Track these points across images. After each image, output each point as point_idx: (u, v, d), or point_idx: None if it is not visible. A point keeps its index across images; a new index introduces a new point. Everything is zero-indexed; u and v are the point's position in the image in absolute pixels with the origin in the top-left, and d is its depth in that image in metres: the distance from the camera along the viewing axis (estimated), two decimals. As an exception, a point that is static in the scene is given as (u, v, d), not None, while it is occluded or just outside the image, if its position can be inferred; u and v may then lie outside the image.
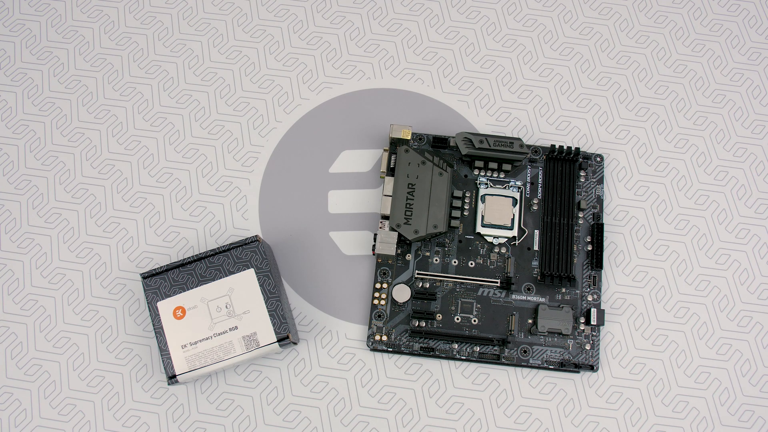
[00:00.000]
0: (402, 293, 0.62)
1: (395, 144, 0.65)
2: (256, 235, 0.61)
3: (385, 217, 0.62)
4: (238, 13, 0.73)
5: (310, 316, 0.64)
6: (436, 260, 0.63)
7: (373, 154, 0.68)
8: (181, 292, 0.59)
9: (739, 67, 0.71)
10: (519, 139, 0.64)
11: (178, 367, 0.58)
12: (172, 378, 0.58)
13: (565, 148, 0.66)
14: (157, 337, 0.58)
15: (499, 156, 0.64)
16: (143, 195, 0.67)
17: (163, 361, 0.58)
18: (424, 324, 0.61)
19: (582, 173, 0.66)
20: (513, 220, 0.64)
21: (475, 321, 0.62)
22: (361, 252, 0.65)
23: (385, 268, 0.63)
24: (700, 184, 0.67)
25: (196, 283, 0.60)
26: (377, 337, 0.61)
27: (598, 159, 0.66)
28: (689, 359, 0.63)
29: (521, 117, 0.69)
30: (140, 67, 0.71)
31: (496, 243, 0.64)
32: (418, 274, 0.63)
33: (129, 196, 0.67)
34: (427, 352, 0.61)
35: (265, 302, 0.59)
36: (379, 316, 0.62)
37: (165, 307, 0.59)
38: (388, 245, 0.61)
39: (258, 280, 0.59)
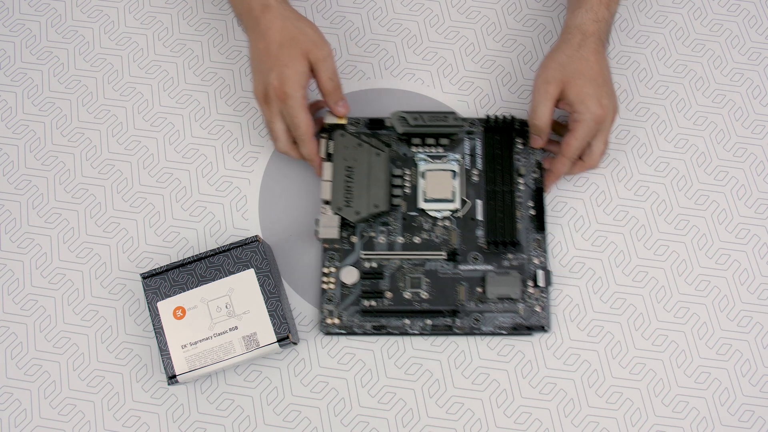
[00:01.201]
0: (350, 275, 0.62)
1: (331, 130, 0.66)
2: (256, 235, 0.61)
3: (327, 202, 0.63)
4: (238, 13, 0.73)
5: (310, 316, 0.64)
6: (382, 240, 0.64)
7: (373, 154, 0.68)
8: (181, 292, 0.59)
9: (739, 67, 0.71)
10: (453, 112, 0.65)
11: (178, 367, 0.58)
12: (172, 378, 0.58)
13: (501, 117, 0.66)
14: (157, 337, 0.58)
15: (434, 131, 0.64)
16: (143, 195, 0.67)
17: (163, 361, 0.58)
18: (374, 303, 0.62)
19: (519, 140, 0.66)
20: (454, 192, 0.64)
21: (425, 295, 0.62)
22: (361, 252, 0.65)
23: (332, 252, 0.63)
24: (700, 184, 0.67)
25: (196, 283, 0.60)
26: (329, 321, 0.62)
27: (525, 126, 0.67)
28: (689, 359, 0.63)
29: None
30: (140, 67, 0.71)
31: (440, 216, 0.64)
32: (364, 254, 0.63)
33: (129, 196, 0.67)
34: (379, 330, 0.61)
35: (265, 302, 0.59)
36: (330, 299, 0.62)
37: (165, 307, 0.59)
38: (331, 229, 0.62)
39: (258, 280, 0.59)
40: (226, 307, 0.59)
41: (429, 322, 0.62)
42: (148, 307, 0.59)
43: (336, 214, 0.62)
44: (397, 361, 0.63)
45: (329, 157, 0.64)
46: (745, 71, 0.71)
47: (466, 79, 0.71)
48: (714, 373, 0.62)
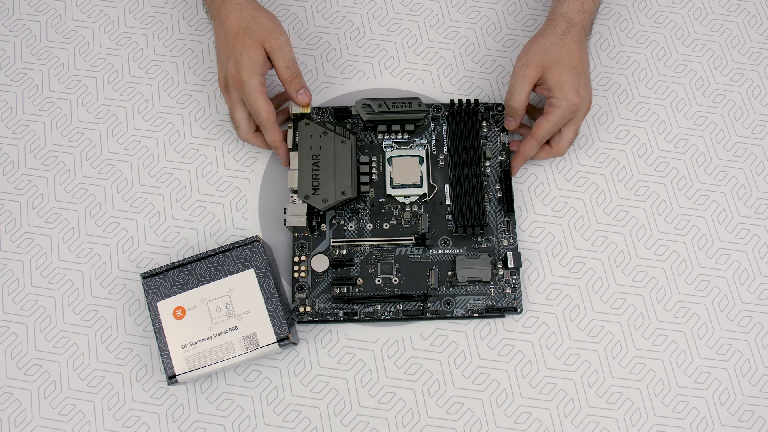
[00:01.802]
0: (320, 263, 0.62)
1: (296, 120, 0.66)
2: (256, 236, 0.61)
3: (294, 191, 0.63)
4: (238, 13, 0.73)
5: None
6: (351, 227, 0.64)
7: (373, 154, 0.68)
8: (181, 292, 0.59)
9: (739, 67, 0.71)
10: (417, 98, 0.65)
11: (178, 368, 0.58)
12: (171, 378, 0.58)
13: (464, 101, 0.67)
14: (157, 337, 0.58)
15: (399, 117, 0.65)
16: (143, 195, 0.67)
17: (162, 361, 0.58)
18: (345, 290, 0.62)
19: (485, 124, 0.67)
20: (421, 178, 0.65)
21: (395, 281, 0.63)
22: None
23: (302, 241, 0.64)
24: (700, 184, 0.67)
25: (196, 283, 0.60)
26: (301, 309, 0.62)
27: (500, 108, 0.67)
28: (689, 359, 0.63)
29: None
30: (140, 67, 0.71)
31: (408, 202, 0.64)
32: (334, 242, 0.63)
33: (129, 196, 0.67)
34: (351, 317, 0.62)
35: (265, 302, 0.59)
36: (301, 288, 0.62)
37: (165, 307, 0.59)
38: (299, 217, 0.62)
39: (258, 280, 0.59)
40: (226, 307, 0.59)
41: (400, 307, 0.62)
42: (148, 307, 0.59)
43: (304, 202, 0.62)
44: (397, 361, 0.63)
45: (295, 147, 0.65)
46: (745, 71, 0.71)
47: (466, 79, 0.71)
48: (714, 373, 0.62)
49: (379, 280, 0.63)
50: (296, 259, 0.63)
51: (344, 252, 0.63)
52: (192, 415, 0.61)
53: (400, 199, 0.65)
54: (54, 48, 0.72)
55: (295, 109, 0.66)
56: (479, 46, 0.72)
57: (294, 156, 0.64)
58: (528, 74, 0.62)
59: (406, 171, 0.64)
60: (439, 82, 0.71)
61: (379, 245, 0.64)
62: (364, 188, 0.64)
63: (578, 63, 0.62)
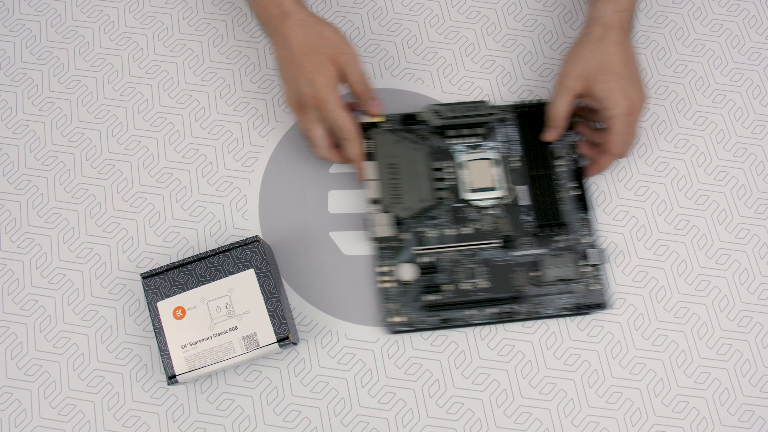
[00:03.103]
0: (408, 272, 0.62)
1: (366, 129, 0.66)
2: (256, 236, 0.61)
3: (374, 201, 0.63)
4: (238, 13, 0.73)
5: (310, 316, 0.64)
6: (433, 234, 0.64)
7: (373, 154, 0.68)
8: (181, 292, 0.59)
9: (739, 67, 0.71)
10: (483, 101, 0.66)
11: (178, 368, 0.58)
12: (171, 378, 0.58)
13: (532, 102, 0.67)
14: (157, 337, 0.58)
15: (469, 121, 0.65)
16: (143, 195, 0.67)
17: (162, 361, 0.58)
18: (436, 297, 0.62)
19: None
20: (497, 180, 0.65)
21: (484, 284, 0.63)
22: (362, 252, 0.65)
23: (387, 251, 0.64)
24: (700, 184, 0.67)
25: (196, 283, 0.60)
26: (394, 319, 0.62)
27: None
28: (689, 359, 0.63)
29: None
30: (140, 67, 0.71)
31: (486, 205, 0.65)
32: (419, 250, 0.63)
33: (129, 196, 0.67)
34: (445, 324, 0.62)
35: (265, 302, 0.59)
36: (390, 298, 0.62)
37: (165, 307, 0.59)
38: (386, 227, 0.62)
39: (258, 280, 0.59)
40: (226, 307, 0.59)
41: (492, 310, 0.62)
42: (148, 307, 0.59)
43: (386, 212, 0.62)
44: (397, 361, 0.63)
45: (369, 156, 0.65)
46: (745, 71, 0.71)
47: (466, 79, 0.71)
48: (714, 373, 0.62)
49: (466, 285, 0.63)
50: (383, 269, 0.63)
51: (430, 259, 0.63)
52: (192, 415, 0.61)
53: (478, 203, 0.65)
54: (54, 48, 0.72)
55: (366, 119, 0.65)
56: (479, 46, 0.72)
57: (371, 166, 0.64)
58: (568, 85, 0.61)
59: (481, 175, 0.65)
60: (439, 82, 0.71)
61: (462, 250, 0.63)
62: (440, 194, 0.64)
63: (621, 66, 0.61)
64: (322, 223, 0.66)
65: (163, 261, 0.65)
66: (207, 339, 0.58)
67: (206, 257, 0.60)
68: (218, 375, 0.62)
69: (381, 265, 0.63)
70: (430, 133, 0.67)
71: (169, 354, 0.58)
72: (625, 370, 0.62)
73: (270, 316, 0.59)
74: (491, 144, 0.66)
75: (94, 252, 0.66)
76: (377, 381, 0.62)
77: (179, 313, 0.59)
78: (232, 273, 0.60)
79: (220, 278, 0.60)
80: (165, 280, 0.60)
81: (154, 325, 0.59)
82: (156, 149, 0.69)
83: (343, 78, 0.62)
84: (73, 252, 0.66)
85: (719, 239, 0.66)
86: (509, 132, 0.67)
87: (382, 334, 0.63)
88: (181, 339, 0.58)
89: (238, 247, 0.60)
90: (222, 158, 0.68)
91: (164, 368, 0.58)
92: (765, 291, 0.64)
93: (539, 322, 0.63)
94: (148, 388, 0.62)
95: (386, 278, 0.63)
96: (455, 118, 0.64)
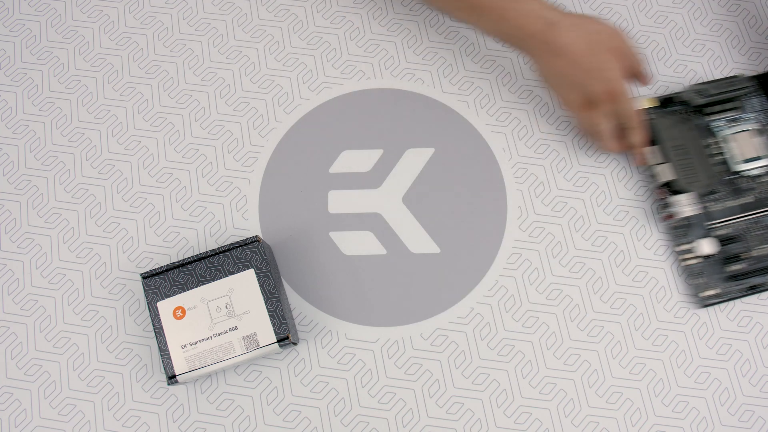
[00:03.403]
0: (708, 246, 0.64)
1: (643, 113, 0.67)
2: (256, 236, 0.61)
3: (665, 185, 0.65)
4: (238, 13, 0.73)
5: (310, 316, 0.64)
6: (717, 207, 0.66)
7: (373, 154, 0.68)
8: (181, 292, 0.59)
9: (739, 67, 0.71)
10: (737, 76, 0.68)
11: (178, 368, 0.58)
12: (171, 378, 0.58)
13: None
14: (157, 337, 0.58)
15: (728, 96, 0.67)
16: (143, 195, 0.67)
17: (162, 361, 0.58)
18: (739, 267, 0.64)
19: None
20: (762, 148, 0.67)
21: None
22: (362, 252, 0.65)
23: (682, 230, 0.65)
24: (700, 184, 0.67)
25: (196, 284, 0.60)
26: (707, 293, 0.63)
27: None
28: (689, 359, 0.63)
29: (521, 117, 0.69)
30: (140, 67, 0.71)
31: (757, 173, 0.66)
32: (714, 224, 0.65)
33: (129, 196, 0.67)
34: (753, 290, 0.63)
35: (265, 302, 0.59)
36: (696, 274, 0.64)
37: (165, 307, 0.59)
38: (688, 206, 0.64)
39: (258, 280, 0.59)
40: (226, 307, 0.59)
41: None
42: (148, 307, 0.59)
43: (683, 191, 0.64)
44: (397, 361, 0.63)
45: (652, 141, 0.67)
46: (745, 71, 0.71)
47: (466, 79, 0.71)
48: (714, 373, 0.62)
49: (761, 251, 0.64)
50: (683, 248, 0.65)
51: (725, 231, 0.65)
52: (192, 415, 0.61)
53: (749, 173, 0.66)
54: (54, 48, 0.72)
55: (644, 104, 0.68)
56: (479, 46, 0.72)
57: (655, 150, 0.66)
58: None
59: (747, 145, 0.67)
60: (439, 82, 0.71)
61: (753, 219, 0.65)
62: (717, 168, 0.66)
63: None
64: (322, 223, 0.66)
65: (163, 261, 0.65)
66: (207, 339, 0.58)
67: (206, 257, 0.60)
68: (218, 375, 0.62)
69: (679, 244, 0.65)
70: (689, 112, 0.68)
71: (169, 354, 0.58)
72: (625, 370, 0.62)
73: (270, 316, 0.59)
74: (748, 115, 0.68)
75: (94, 252, 0.66)
76: (377, 381, 0.62)
77: (179, 313, 0.59)
78: (232, 273, 0.60)
79: (220, 278, 0.60)
80: (165, 280, 0.60)
81: (154, 325, 0.59)
82: (156, 149, 0.69)
83: (623, 63, 0.63)
84: (73, 252, 0.66)
85: (719, 239, 0.66)
86: (755, 102, 0.69)
87: (381, 333, 0.63)
88: (181, 339, 0.58)
89: (238, 247, 0.60)
90: (222, 158, 0.68)
91: (164, 368, 0.58)
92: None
93: (539, 322, 0.63)
94: (148, 388, 0.62)
95: (688, 255, 0.65)
96: (718, 94, 0.66)
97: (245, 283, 0.59)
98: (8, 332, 0.64)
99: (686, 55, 0.72)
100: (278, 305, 0.59)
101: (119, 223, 0.67)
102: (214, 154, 0.69)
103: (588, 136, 0.68)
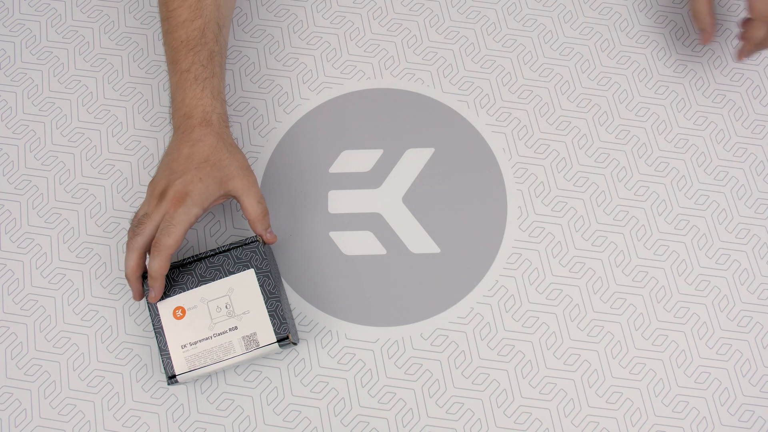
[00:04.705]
0: None
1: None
2: (256, 236, 0.61)
3: None
4: (238, 13, 0.73)
5: (310, 316, 0.64)
6: None
7: (373, 154, 0.68)
8: (181, 292, 0.59)
9: (739, 67, 0.71)
10: None
11: (178, 367, 0.58)
12: (171, 378, 0.58)
13: None
14: (156, 337, 0.58)
15: None
16: (143, 195, 0.67)
17: (162, 362, 0.58)
18: None
19: None
20: None
21: None
22: (362, 252, 0.65)
23: None
24: (700, 184, 0.67)
25: (196, 283, 0.60)
26: None
27: None
28: (689, 359, 0.63)
29: (521, 117, 0.69)
30: (140, 67, 0.71)
31: None
32: None
33: (128, 197, 0.67)
34: None
35: (265, 302, 0.59)
36: None
37: (165, 307, 0.59)
38: None
39: (258, 280, 0.59)
40: (226, 307, 0.59)
41: None
42: (148, 307, 0.59)
43: None
44: (397, 361, 0.63)
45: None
46: (745, 71, 0.71)
47: (466, 79, 0.71)
48: (714, 373, 0.62)
49: None
50: None
51: None
52: (192, 415, 0.61)
53: None
54: (54, 48, 0.72)
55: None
56: (479, 46, 0.72)
57: None
58: None
59: None
60: (439, 82, 0.71)
61: None
62: None
63: None
64: (322, 223, 0.66)
65: (163, 261, 0.65)
66: (207, 339, 0.58)
67: (206, 257, 0.60)
68: (218, 375, 0.62)
69: None
70: None
71: (168, 354, 0.58)
72: (625, 370, 0.62)
73: (270, 316, 0.59)
74: None
75: (94, 252, 0.66)
76: (377, 381, 0.62)
77: (179, 313, 0.59)
78: (232, 273, 0.60)
79: (220, 278, 0.60)
80: (165, 280, 0.60)
81: (154, 325, 0.59)
82: (156, 149, 0.69)
83: (240, 201, 0.61)
84: (73, 252, 0.66)
85: (719, 239, 0.66)
86: None
87: (381, 333, 0.63)
88: (181, 339, 0.58)
89: (238, 247, 0.60)
90: (222, 158, 0.68)
91: (164, 368, 0.58)
92: (765, 291, 0.64)
93: (539, 322, 0.63)
94: (148, 388, 0.62)
95: None
96: None
97: (245, 283, 0.59)
98: (8, 332, 0.64)
99: (686, 55, 0.72)
100: (278, 305, 0.59)
101: (119, 223, 0.67)
102: (214, 154, 0.69)
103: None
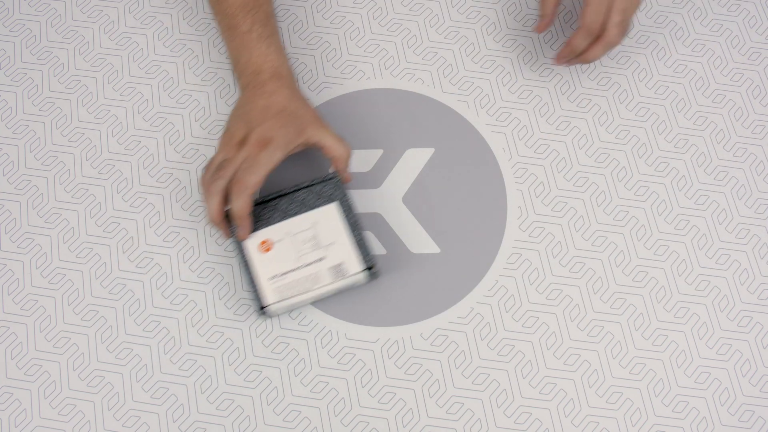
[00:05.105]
0: None
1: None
2: (334, 172, 0.62)
3: None
4: (238, 13, 0.73)
5: (310, 316, 0.64)
6: None
7: (373, 154, 0.68)
8: (266, 227, 0.61)
9: (739, 67, 0.71)
10: None
11: (269, 298, 0.58)
12: (262, 309, 0.58)
13: None
14: (244, 271, 0.59)
15: None
16: (143, 195, 0.67)
17: (252, 294, 0.59)
18: None
19: None
20: None
21: None
22: (361, 252, 0.65)
23: None
24: (700, 184, 0.67)
25: (280, 218, 0.61)
26: None
27: None
28: (689, 359, 0.63)
29: (521, 117, 0.69)
30: (140, 67, 0.71)
31: None
32: None
33: (129, 196, 0.67)
34: None
35: (350, 234, 0.60)
36: None
37: (251, 241, 0.60)
38: None
39: (341, 213, 0.60)
40: (312, 239, 0.60)
41: None
42: (235, 242, 0.60)
43: None
44: (397, 361, 0.63)
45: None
46: (745, 71, 0.71)
47: (466, 79, 0.71)
48: (714, 373, 0.62)
49: None
50: None
51: None
52: (192, 415, 0.61)
53: None
54: (54, 48, 0.72)
55: None
56: (479, 46, 0.72)
57: None
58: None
59: None
60: (439, 82, 0.71)
61: None
62: None
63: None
64: (322, 223, 0.66)
65: (163, 261, 0.65)
66: (295, 270, 0.59)
67: (288, 193, 0.62)
68: (217, 374, 0.62)
69: None
70: None
71: (258, 286, 0.58)
72: (625, 370, 0.62)
73: (356, 246, 0.60)
74: None
75: (94, 252, 0.66)
76: (377, 381, 0.62)
77: (266, 246, 0.60)
78: (316, 206, 0.61)
79: (304, 212, 0.61)
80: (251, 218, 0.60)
81: (241, 259, 0.60)
82: (156, 149, 0.69)
83: (318, 145, 0.63)
84: (73, 252, 0.66)
85: (719, 239, 0.66)
86: None
87: (381, 333, 0.63)
88: (269, 271, 0.59)
89: (319, 183, 0.62)
90: (222, 158, 0.68)
91: (255, 300, 0.59)
92: (765, 291, 0.64)
93: (539, 322, 0.63)
94: (148, 388, 0.62)
95: None
96: None
97: (329, 216, 0.61)
98: (8, 332, 0.64)
99: (686, 55, 0.72)
100: (361, 237, 0.60)
101: (119, 223, 0.67)
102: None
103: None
